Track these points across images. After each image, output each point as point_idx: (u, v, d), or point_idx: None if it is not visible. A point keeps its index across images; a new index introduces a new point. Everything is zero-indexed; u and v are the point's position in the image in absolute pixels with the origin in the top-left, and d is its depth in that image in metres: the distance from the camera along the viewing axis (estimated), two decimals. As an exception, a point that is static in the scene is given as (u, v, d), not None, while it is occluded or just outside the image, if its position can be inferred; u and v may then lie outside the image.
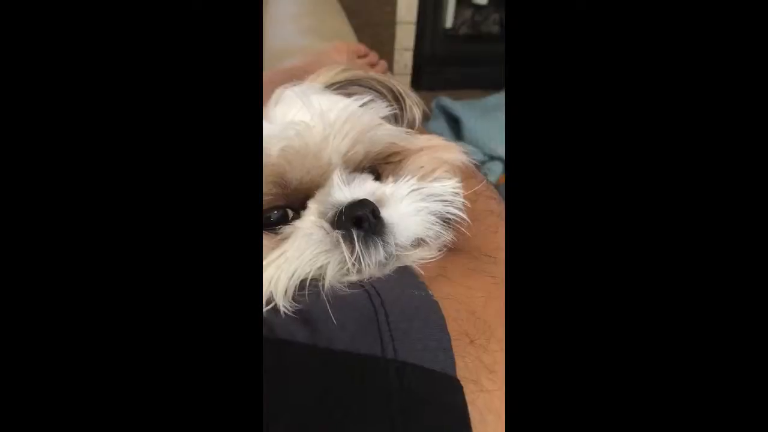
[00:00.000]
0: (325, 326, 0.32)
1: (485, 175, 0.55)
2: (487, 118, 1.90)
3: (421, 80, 2.33)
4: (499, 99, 2.02)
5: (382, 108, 0.44)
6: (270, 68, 1.20)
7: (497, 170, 1.77)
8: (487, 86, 2.16)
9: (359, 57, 1.13)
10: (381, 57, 1.16)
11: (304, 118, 0.41)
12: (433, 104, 1.97)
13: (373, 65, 1.15)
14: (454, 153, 0.47)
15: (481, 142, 1.82)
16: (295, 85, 0.47)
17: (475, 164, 0.51)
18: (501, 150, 1.77)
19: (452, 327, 0.34)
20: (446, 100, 1.96)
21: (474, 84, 2.28)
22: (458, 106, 1.92)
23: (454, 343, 0.33)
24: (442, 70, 2.36)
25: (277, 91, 0.45)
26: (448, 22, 2.29)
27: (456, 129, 1.91)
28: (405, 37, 2.24)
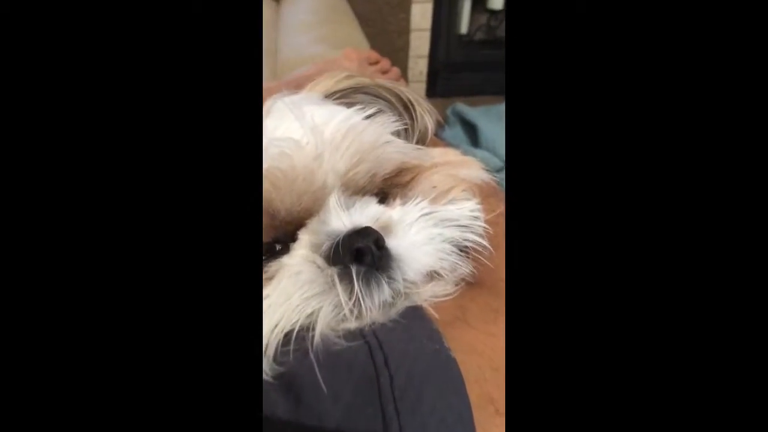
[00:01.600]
0: (314, 396, 0.25)
1: (501, 184, 0.48)
2: (504, 124, 1.84)
3: (436, 87, 2.30)
4: (516, 105, 1.95)
5: (390, 120, 0.37)
6: (281, 78, 1.17)
7: (516, 179, 1.71)
8: (503, 92, 2.10)
9: (371, 64, 1.10)
10: (395, 64, 1.13)
11: (295, 133, 0.35)
12: (448, 111, 1.93)
13: (385, 72, 1.10)
14: (473, 169, 0.41)
15: (499, 148, 1.76)
16: (290, 94, 0.41)
17: (496, 182, 0.44)
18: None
19: (473, 390, 0.27)
20: (462, 107, 1.91)
21: (490, 90, 2.23)
22: (474, 113, 1.87)
23: (476, 413, 0.26)
24: (457, 76, 2.34)
25: (268, 102, 0.39)
26: (463, 28, 2.26)
27: (473, 136, 1.86)
28: (419, 44, 2.20)
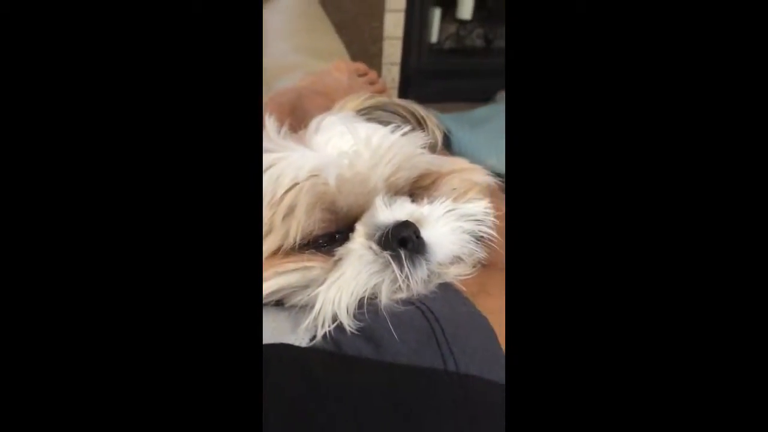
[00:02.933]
0: (389, 342, 0.34)
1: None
2: (476, 130, 1.95)
3: (408, 94, 2.36)
4: (486, 111, 2.06)
5: (420, 136, 0.47)
6: (266, 86, 1.21)
7: (487, 182, 1.81)
8: (473, 99, 2.21)
9: (359, 75, 1.15)
10: (369, 71, 1.17)
11: (347, 145, 0.44)
12: (422, 117, 2.00)
13: (373, 83, 1.17)
14: (482, 174, 0.51)
15: (470, 154, 1.86)
16: (330, 114, 0.50)
17: (498, 184, 0.54)
18: (489, 161, 1.82)
19: (501, 340, 0.37)
20: (434, 114, 1.98)
21: (460, 97, 2.32)
22: (447, 119, 1.96)
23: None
24: (428, 83, 2.39)
25: (316, 119, 0.48)
26: (434, 36, 2.34)
27: (445, 141, 1.95)
28: (392, 52, 2.26)
